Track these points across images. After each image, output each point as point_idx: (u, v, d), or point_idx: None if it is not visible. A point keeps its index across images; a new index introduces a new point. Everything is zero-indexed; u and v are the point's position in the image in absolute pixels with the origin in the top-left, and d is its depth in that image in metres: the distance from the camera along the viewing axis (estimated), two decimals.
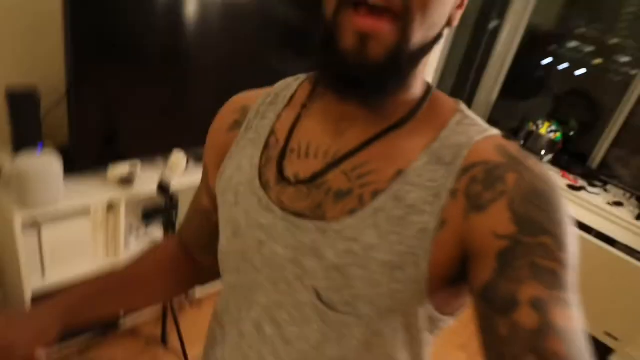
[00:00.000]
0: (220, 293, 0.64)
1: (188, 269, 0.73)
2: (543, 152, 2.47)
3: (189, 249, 0.73)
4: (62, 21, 1.24)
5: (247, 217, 0.55)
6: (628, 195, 2.31)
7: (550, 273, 0.40)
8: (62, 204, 1.39)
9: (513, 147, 0.48)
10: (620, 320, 2.13)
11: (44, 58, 1.43)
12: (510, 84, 2.87)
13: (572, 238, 0.43)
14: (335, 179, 0.51)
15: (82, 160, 1.47)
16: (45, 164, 1.31)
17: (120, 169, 1.52)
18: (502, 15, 2.81)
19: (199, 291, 2.08)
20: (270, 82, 0.64)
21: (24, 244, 1.38)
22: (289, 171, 0.54)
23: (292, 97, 0.59)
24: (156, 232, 1.84)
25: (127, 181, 1.52)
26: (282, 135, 0.56)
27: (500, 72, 2.89)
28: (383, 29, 0.43)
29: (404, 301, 0.47)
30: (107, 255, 1.64)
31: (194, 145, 1.61)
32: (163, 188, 1.47)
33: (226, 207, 0.58)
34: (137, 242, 1.78)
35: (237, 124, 0.61)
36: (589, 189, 2.33)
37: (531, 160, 0.47)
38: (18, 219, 1.31)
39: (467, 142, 0.48)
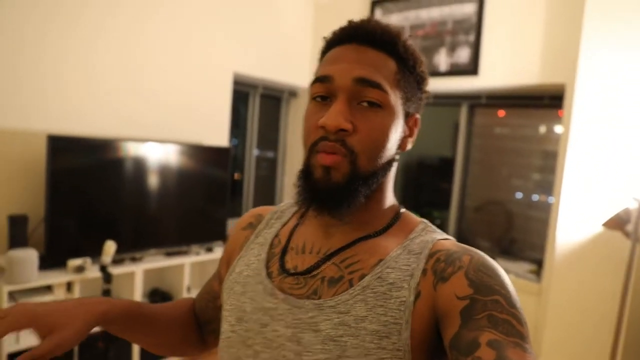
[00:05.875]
0: None
1: (193, 332, 0.82)
2: None
3: (197, 317, 0.84)
4: (45, 169, 2.25)
5: (253, 302, 0.64)
6: None
7: (505, 323, 0.49)
8: (35, 283, 2.18)
9: (464, 244, 0.61)
10: None
11: (32, 195, 2.39)
12: None
13: (518, 299, 0.53)
14: (328, 270, 0.62)
15: (51, 257, 2.31)
16: (27, 255, 2.15)
17: (75, 262, 2.34)
18: None
19: None
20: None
21: None
22: (290, 264, 0.66)
23: (294, 213, 0.75)
24: None
25: (80, 269, 2.32)
26: (284, 237, 0.71)
27: None
28: (338, 162, 0.59)
29: None
30: None
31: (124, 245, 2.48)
32: (102, 267, 2.27)
33: (233, 297, 0.68)
34: None
35: (250, 225, 0.77)
36: None
37: (479, 251, 0.59)
38: (5, 290, 2.09)
39: (431, 240, 0.62)
